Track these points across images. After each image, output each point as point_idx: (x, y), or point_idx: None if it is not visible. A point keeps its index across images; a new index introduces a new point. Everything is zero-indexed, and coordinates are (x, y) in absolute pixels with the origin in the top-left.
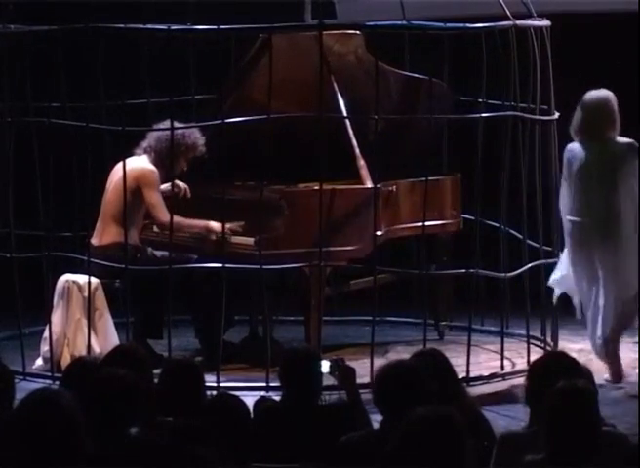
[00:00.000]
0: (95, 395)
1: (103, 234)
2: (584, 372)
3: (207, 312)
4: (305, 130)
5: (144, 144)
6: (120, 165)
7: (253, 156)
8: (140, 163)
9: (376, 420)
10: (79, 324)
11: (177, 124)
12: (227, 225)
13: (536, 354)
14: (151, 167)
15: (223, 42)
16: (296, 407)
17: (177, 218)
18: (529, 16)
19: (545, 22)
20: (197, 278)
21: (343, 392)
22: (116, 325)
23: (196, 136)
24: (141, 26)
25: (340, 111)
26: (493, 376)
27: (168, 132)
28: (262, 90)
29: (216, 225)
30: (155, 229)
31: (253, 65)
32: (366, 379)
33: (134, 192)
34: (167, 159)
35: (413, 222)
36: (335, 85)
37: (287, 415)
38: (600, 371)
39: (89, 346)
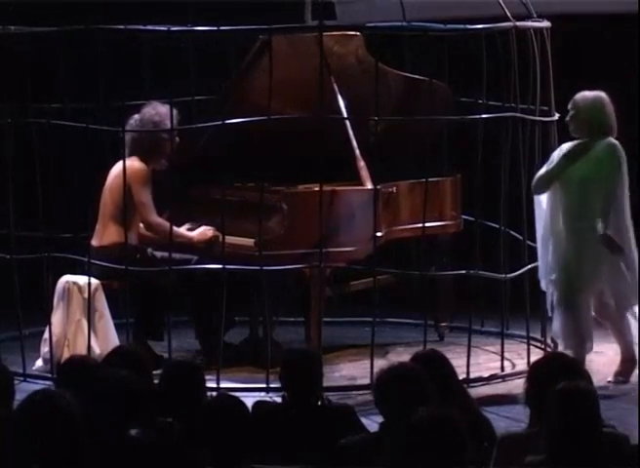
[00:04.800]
0: (95, 396)
1: (103, 235)
2: (584, 374)
3: (207, 313)
4: (305, 131)
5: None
6: (116, 166)
7: (253, 157)
8: (129, 162)
9: (376, 421)
10: (79, 325)
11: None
12: (210, 233)
13: (536, 355)
14: (141, 165)
15: (223, 42)
16: (296, 408)
17: (167, 226)
18: (529, 17)
19: (545, 23)
20: (197, 279)
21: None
22: (116, 326)
23: (162, 111)
24: (142, 27)
25: (341, 112)
26: (493, 377)
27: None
28: (262, 91)
29: (200, 239)
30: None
31: (253, 66)
32: (366, 380)
33: (128, 192)
34: (152, 151)
35: (413, 223)
36: (335, 86)
37: (287, 416)
38: (600, 373)
39: (89, 347)
